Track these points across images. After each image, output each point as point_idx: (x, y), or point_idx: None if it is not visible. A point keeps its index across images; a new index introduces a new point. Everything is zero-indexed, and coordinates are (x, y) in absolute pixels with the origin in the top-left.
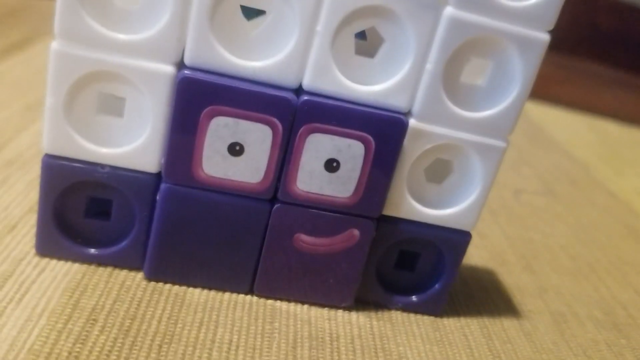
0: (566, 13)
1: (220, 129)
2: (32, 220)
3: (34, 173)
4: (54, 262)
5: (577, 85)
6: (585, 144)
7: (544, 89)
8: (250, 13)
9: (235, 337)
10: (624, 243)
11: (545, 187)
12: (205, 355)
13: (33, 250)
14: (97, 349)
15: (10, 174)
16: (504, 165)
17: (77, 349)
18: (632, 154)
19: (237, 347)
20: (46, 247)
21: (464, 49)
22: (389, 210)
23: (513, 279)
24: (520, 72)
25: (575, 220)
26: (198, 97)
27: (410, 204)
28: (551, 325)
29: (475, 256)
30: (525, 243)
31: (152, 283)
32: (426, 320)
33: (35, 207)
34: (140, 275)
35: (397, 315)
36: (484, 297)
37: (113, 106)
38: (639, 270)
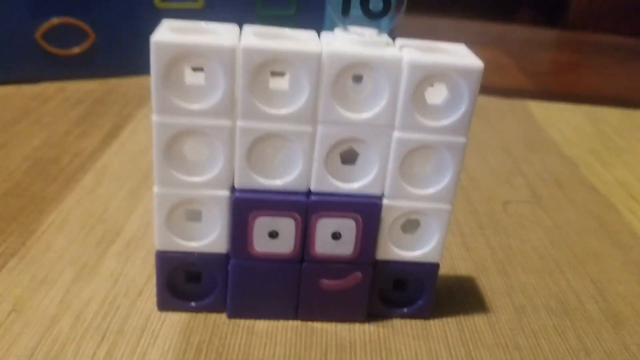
0: None
1: (261, 224)
2: (151, 286)
3: (146, 249)
4: (170, 314)
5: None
6: (581, 139)
7: (545, 85)
8: (273, 149)
9: (288, 350)
10: (592, 237)
11: (532, 194)
12: None
13: (155, 308)
14: None
15: (130, 252)
16: (497, 178)
17: None
18: (625, 141)
19: (289, 357)
20: (164, 305)
21: (411, 153)
22: (381, 256)
23: (489, 282)
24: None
25: (552, 222)
26: (246, 207)
27: (394, 250)
28: (513, 316)
29: (461, 267)
30: (504, 250)
31: (233, 320)
32: (417, 323)
33: (152, 276)
34: (224, 315)
35: (396, 322)
36: (463, 299)
37: (196, 216)
38: (600, 260)
